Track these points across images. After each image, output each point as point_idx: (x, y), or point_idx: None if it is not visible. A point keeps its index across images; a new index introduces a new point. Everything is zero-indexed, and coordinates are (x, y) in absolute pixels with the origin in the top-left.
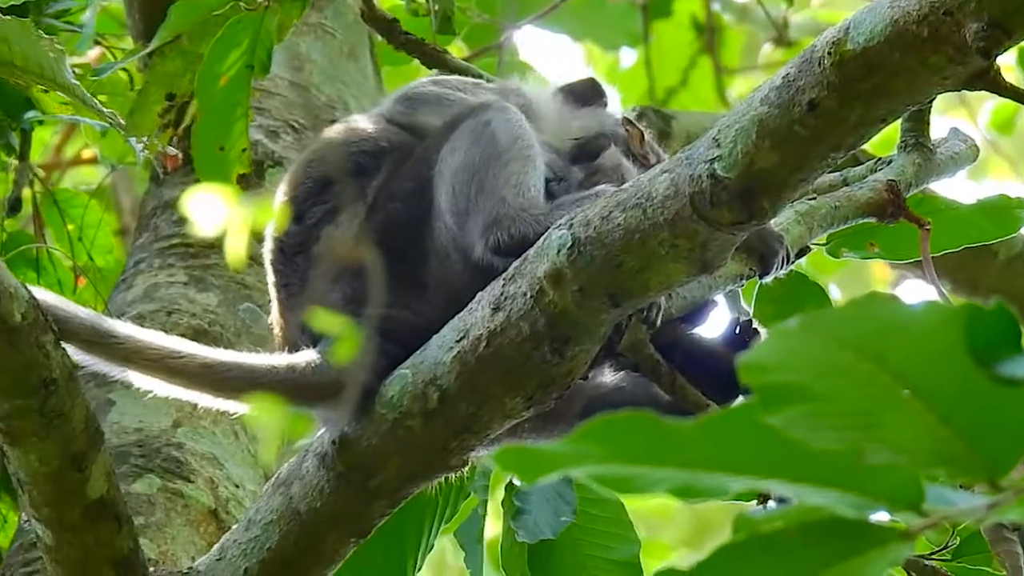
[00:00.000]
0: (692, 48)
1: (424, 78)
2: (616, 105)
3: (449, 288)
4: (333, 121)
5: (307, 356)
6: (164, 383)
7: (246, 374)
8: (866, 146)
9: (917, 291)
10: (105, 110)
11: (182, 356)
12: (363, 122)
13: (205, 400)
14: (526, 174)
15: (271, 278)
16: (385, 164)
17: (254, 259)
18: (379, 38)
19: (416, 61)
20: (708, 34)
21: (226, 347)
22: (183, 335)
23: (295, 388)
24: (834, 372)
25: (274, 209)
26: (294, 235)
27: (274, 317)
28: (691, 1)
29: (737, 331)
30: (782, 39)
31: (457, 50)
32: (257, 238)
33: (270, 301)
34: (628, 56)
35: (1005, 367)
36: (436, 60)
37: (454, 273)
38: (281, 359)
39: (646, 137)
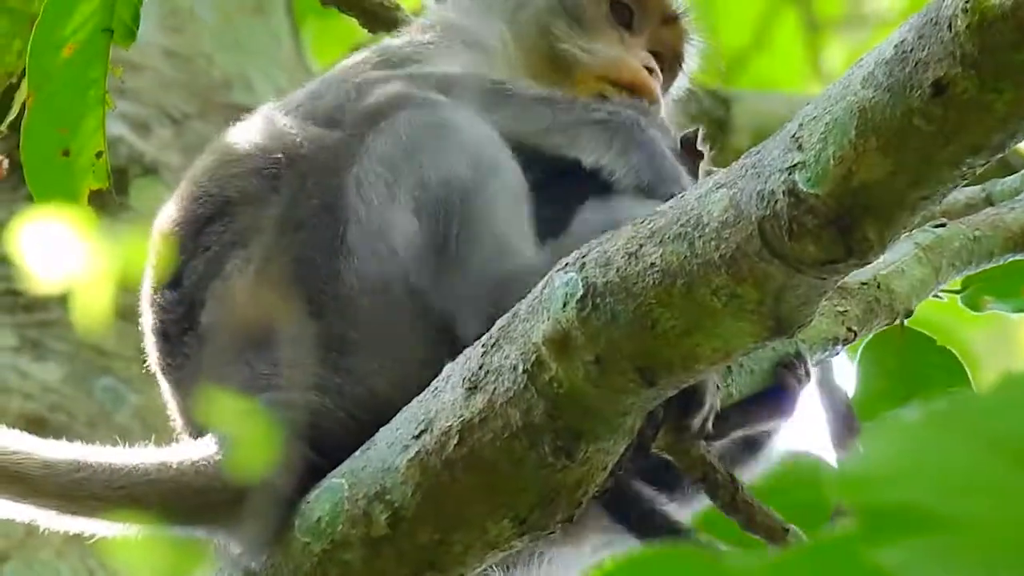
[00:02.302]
0: None
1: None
2: None
3: (395, 349)
4: (231, 107)
5: (191, 451)
6: None
7: (106, 478)
8: (1021, 146)
9: None
10: None
11: (14, 454)
12: (259, 128)
13: (47, 518)
14: (518, 219)
15: (153, 357)
16: (287, 180)
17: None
18: None
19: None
20: None
21: (76, 441)
22: (13, 426)
23: (173, 496)
24: (977, 487)
25: (152, 243)
26: (174, 305)
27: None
28: None
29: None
30: None
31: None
32: (124, 286)
33: (142, 373)
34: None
35: None
36: (383, 19)
37: (401, 324)
38: (153, 455)
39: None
